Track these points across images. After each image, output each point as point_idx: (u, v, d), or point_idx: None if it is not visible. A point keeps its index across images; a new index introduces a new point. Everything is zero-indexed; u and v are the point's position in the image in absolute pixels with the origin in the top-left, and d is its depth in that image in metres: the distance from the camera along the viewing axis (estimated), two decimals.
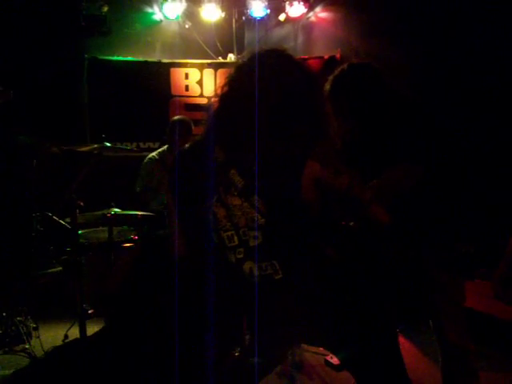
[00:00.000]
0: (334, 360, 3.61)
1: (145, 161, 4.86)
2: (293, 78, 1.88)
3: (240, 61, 2.04)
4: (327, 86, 2.54)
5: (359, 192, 1.84)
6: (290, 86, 1.85)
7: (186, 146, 2.09)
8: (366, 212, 1.88)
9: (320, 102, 1.97)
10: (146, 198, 4.67)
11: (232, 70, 2.00)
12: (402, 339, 3.98)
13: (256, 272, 1.86)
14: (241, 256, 1.88)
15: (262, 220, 1.82)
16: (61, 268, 4.09)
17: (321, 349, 3.74)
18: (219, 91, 1.98)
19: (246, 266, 1.88)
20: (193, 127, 4.63)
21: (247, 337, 3.44)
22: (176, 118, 4.81)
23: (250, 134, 1.82)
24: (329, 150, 1.87)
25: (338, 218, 2.19)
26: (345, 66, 2.58)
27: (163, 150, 4.88)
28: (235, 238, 1.88)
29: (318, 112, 1.92)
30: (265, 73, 1.85)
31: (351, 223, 2.11)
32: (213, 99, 2.01)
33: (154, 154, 4.91)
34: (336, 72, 2.58)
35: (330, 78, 2.57)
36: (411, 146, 2.39)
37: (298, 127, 1.83)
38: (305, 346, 3.88)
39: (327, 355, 3.72)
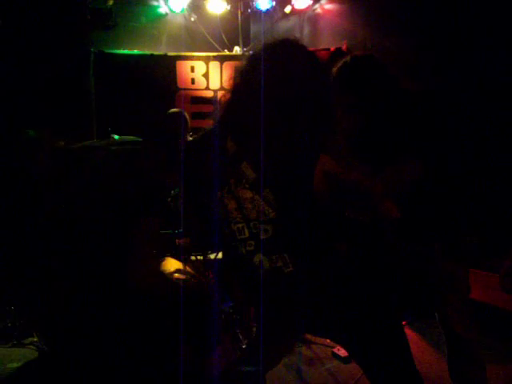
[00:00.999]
0: (342, 352, 3.61)
1: None
2: (307, 69, 1.83)
3: (249, 52, 2.01)
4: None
5: (370, 186, 1.84)
6: (305, 77, 1.81)
7: (195, 136, 2.09)
8: (377, 206, 1.88)
9: (332, 94, 1.94)
10: None
11: (244, 61, 1.95)
12: (408, 331, 3.98)
13: (266, 264, 1.86)
14: (251, 248, 1.88)
15: (273, 213, 1.82)
16: None
17: (328, 341, 3.75)
18: (231, 82, 1.94)
19: (256, 258, 1.88)
20: (189, 120, 4.53)
21: (254, 328, 3.46)
22: (170, 111, 4.68)
23: (262, 127, 1.79)
24: (340, 143, 1.86)
25: (347, 212, 2.18)
26: (347, 58, 2.56)
27: None
28: (246, 230, 1.88)
29: (330, 104, 1.90)
30: (278, 64, 1.81)
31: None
32: (222, 91, 1.99)
33: None
34: (338, 64, 2.56)
35: (333, 70, 2.55)
36: (415, 139, 2.38)
37: (312, 120, 1.81)
38: (312, 338, 3.90)
39: (335, 347, 3.73)
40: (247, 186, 1.84)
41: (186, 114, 4.55)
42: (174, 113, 4.61)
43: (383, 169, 2.32)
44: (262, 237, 1.85)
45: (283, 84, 1.79)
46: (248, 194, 1.84)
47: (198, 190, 2.02)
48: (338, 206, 1.89)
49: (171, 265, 3.65)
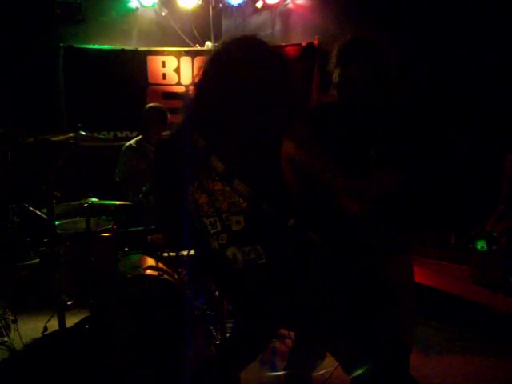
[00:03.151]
0: None
1: (122, 149, 4.80)
2: (263, 61, 1.90)
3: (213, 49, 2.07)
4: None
5: (331, 178, 1.84)
6: (261, 69, 1.88)
7: (166, 133, 2.10)
8: (335, 200, 1.88)
9: (292, 82, 1.97)
10: (125, 187, 4.63)
11: (207, 57, 2.01)
12: None
13: (239, 257, 1.86)
14: (224, 242, 1.88)
15: (244, 204, 1.82)
16: (38, 259, 4.04)
17: None
18: (195, 79, 2.00)
19: (229, 251, 1.88)
20: (168, 115, 4.60)
21: (228, 325, 3.45)
22: (151, 105, 4.76)
23: (226, 119, 1.85)
24: (304, 130, 1.87)
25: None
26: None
27: (140, 139, 4.83)
28: (218, 223, 1.89)
29: (290, 93, 1.93)
30: (235, 60, 1.88)
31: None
32: (190, 87, 2.02)
33: (131, 142, 4.85)
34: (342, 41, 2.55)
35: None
36: (396, 150, 2.37)
37: (272, 108, 1.85)
38: (287, 333, 3.90)
39: None
40: (217, 178, 1.85)
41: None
42: (156, 106, 4.66)
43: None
44: (233, 228, 1.85)
45: (241, 79, 1.85)
46: (218, 186, 1.86)
47: (170, 187, 2.02)
48: (309, 195, 1.89)
49: (144, 261, 3.62)
